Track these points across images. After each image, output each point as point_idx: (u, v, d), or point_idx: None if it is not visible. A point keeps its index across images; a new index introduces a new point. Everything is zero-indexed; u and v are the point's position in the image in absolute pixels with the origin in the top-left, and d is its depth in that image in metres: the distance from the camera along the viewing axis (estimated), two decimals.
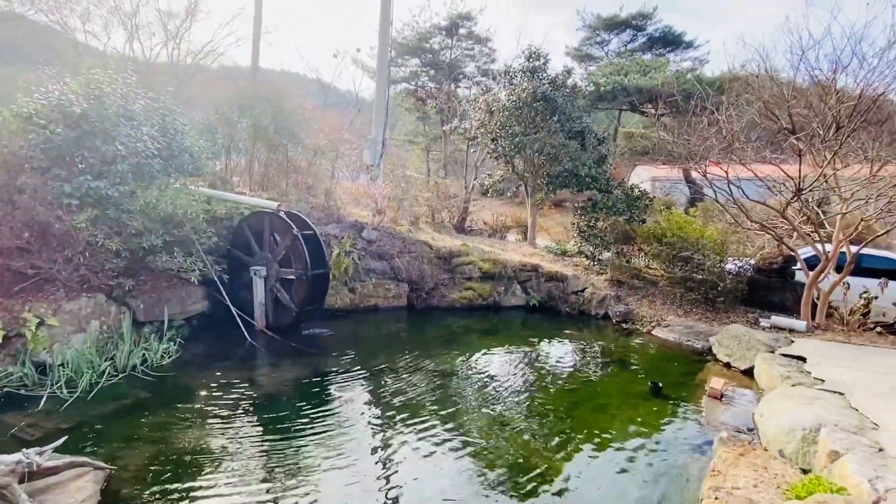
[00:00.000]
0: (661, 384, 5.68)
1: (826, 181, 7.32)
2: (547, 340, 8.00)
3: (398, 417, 4.86)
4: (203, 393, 5.23)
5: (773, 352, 5.92)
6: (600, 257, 10.93)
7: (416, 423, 4.73)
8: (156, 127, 6.80)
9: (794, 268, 9.48)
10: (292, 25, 51.96)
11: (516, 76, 11.86)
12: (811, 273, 7.54)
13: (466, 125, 12.29)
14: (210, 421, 4.60)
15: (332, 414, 4.92)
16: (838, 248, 7.36)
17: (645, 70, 23.99)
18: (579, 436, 4.63)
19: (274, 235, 7.59)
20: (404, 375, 6.02)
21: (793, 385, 4.73)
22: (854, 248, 7.78)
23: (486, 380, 6.06)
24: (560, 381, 6.12)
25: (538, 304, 9.92)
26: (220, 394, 5.22)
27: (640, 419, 5.01)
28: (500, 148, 11.33)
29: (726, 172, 7.81)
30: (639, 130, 32.18)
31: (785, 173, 7.35)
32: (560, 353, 7.46)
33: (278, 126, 9.50)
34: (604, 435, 4.65)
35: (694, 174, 19.59)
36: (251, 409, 4.95)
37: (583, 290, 9.69)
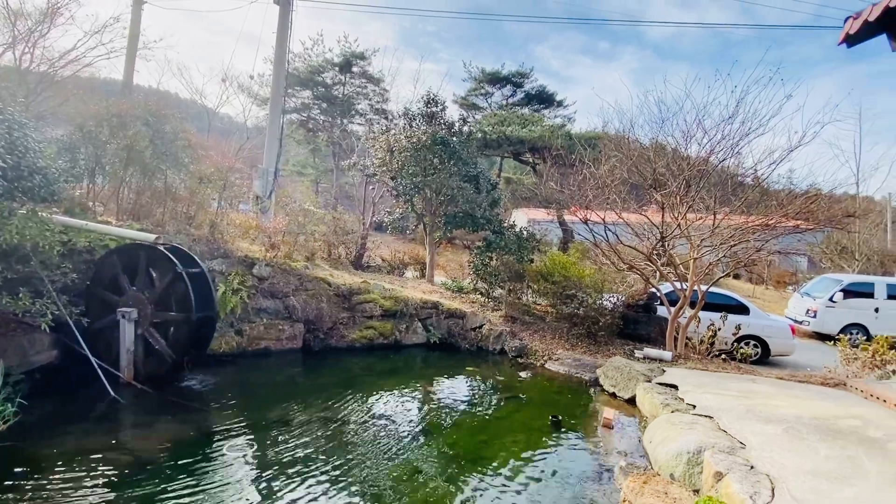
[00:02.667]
0: (560, 417, 6.01)
1: (682, 230, 8.62)
2: (449, 378, 8.05)
3: (296, 478, 4.40)
4: (54, 466, 4.27)
5: (650, 381, 6.63)
6: (494, 294, 11.48)
7: (316, 483, 4.36)
8: (0, 142, 5.69)
9: (655, 303, 10.87)
10: (175, 44, 48.14)
11: (415, 119, 12.26)
12: (673, 309, 8.71)
13: (367, 162, 12.27)
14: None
15: (220, 481, 4.33)
16: (692, 288, 8.61)
17: (524, 123, 26.38)
18: (490, 475, 4.66)
19: (150, 271, 6.69)
20: (301, 427, 5.56)
21: (672, 412, 5.33)
22: (704, 287, 9.17)
23: (390, 425, 5.86)
24: (466, 420, 6.16)
25: (439, 342, 9.98)
26: (77, 465, 4.32)
27: (545, 453, 5.22)
28: (400, 187, 11.48)
29: (603, 219, 8.81)
30: (516, 176, 35.10)
31: (651, 221, 8.51)
32: (463, 390, 7.54)
33: (158, 150, 8.55)
34: (515, 472, 4.74)
35: (567, 217, 21.81)
36: (118, 482, 4.15)
37: (481, 327, 10.01)
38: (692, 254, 8.54)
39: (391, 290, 10.43)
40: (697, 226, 8.86)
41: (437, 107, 12.27)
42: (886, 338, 9.40)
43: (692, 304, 9.15)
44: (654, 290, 9.80)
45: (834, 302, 15.09)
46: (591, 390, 7.46)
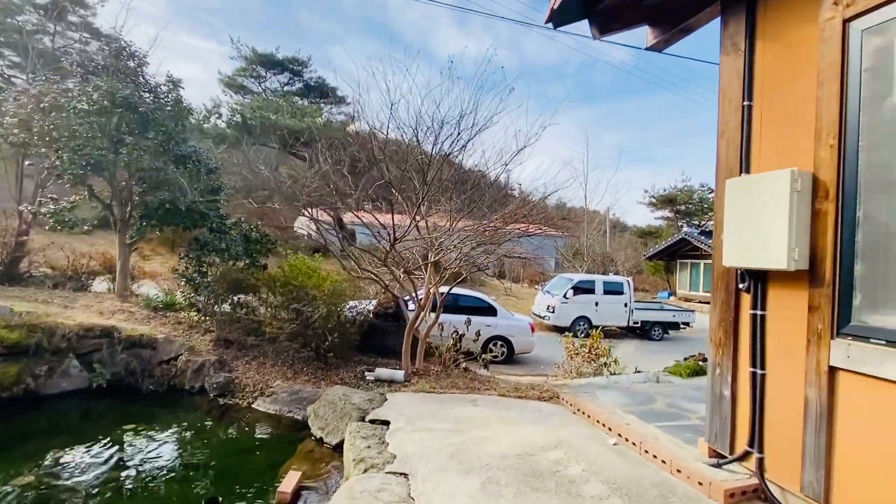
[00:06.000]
0: (220, 499, 4.13)
1: (419, 231, 7.72)
2: (101, 444, 5.38)
3: None
4: None
5: (364, 417, 5.29)
6: (218, 309, 8.98)
7: None
8: None
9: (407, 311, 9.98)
10: None
11: (98, 73, 8.86)
12: (410, 318, 7.72)
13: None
14: None
15: None
16: (429, 292, 7.78)
17: (297, 113, 23.93)
18: None
19: None
20: None
21: (365, 470, 3.97)
22: (444, 290, 8.48)
23: None
24: None
25: (108, 384, 7.04)
26: None
27: None
28: (63, 163, 8.00)
29: (334, 219, 7.31)
30: (300, 173, 32.28)
31: (379, 223, 7.38)
32: (107, 466, 5.00)
33: None
34: None
35: (345, 219, 20.36)
36: None
37: (175, 358, 7.45)
38: (431, 256, 7.71)
39: (30, 314, 7.04)
40: (437, 228, 8.11)
41: (131, 60, 9.12)
42: (599, 332, 10.32)
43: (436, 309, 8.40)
44: (395, 297, 8.76)
45: (567, 298, 16.97)
46: (305, 434, 5.79)
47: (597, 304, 17.11)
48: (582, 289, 17.15)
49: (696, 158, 74.81)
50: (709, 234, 28.86)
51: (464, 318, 9.81)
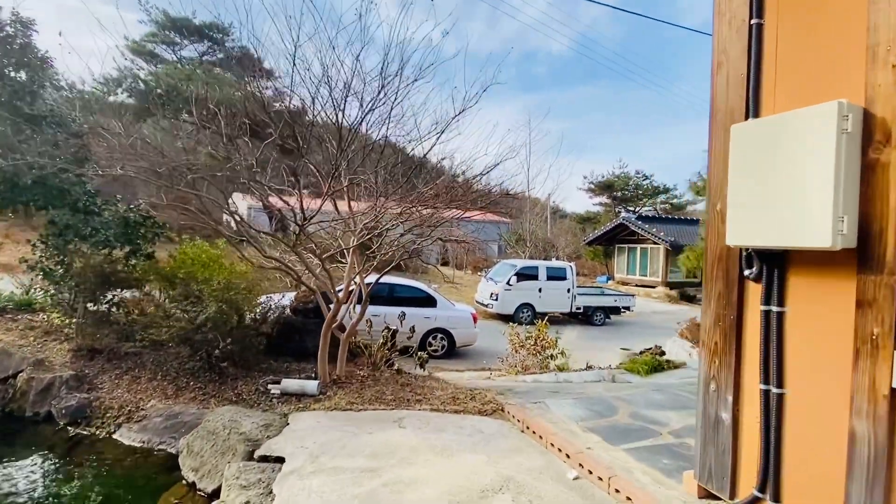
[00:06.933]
0: None
1: (339, 211, 6.45)
2: None
3: None
4: None
5: (252, 453, 4.00)
6: (83, 309, 7.22)
7: None
8: None
9: (330, 306, 8.67)
10: None
11: None
12: (327, 316, 6.44)
13: None
14: None
15: None
16: (350, 283, 6.54)
17: (212, 83, 21.41)
18: None
19: None
20: None
21: None
22: (371, 280, 7.28)
23: None
24: None
25: None
26: None
27: None
28: None
29: (228, 201, 5.85)
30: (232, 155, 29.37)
31: (286, 203, 6.02)
32: None
33: None
34: None
35: (272, 202, 18.42)
36: None
37: (15, 375, 5.74)
38: (353, 240, 6.45)
39: None
40: (365, 208, 6.86)
41: None
42: (545, 323, 9.55)
43: (378, 301, 7.20)
44: (316, 290, 7.43)
45: (510, 285, 16.23)
46: (173, 479, 4.41)
47: (540, 290, 16.52)
48: (525, 275, 16.49)
49: (632, 148, 77.44)
50: (645, 219, 29.35)
51: (398, 310, 8.68)
